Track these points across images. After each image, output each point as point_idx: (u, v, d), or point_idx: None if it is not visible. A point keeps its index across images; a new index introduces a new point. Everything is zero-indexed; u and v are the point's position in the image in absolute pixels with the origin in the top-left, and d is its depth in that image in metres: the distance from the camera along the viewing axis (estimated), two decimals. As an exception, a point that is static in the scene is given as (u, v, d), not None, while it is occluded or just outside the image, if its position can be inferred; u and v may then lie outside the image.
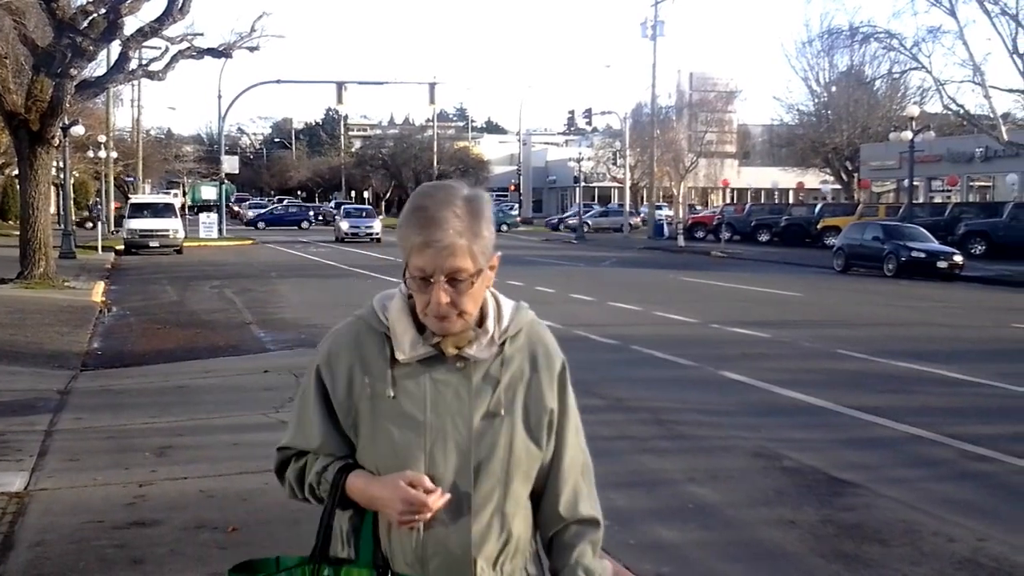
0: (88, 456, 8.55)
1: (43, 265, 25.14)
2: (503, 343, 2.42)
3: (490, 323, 2.40)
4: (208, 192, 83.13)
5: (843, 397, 11.24)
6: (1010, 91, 34.56)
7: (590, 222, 67.57)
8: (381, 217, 67.53)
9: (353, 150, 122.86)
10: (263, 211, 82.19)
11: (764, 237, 53.03)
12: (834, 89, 64.12)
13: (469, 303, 2.31)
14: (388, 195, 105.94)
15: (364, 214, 57.50)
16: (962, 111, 35.73)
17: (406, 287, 2.39)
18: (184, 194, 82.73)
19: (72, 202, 43.82)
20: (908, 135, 39.27)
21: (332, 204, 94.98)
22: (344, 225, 54.05)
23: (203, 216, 56.06)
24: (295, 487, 2.64)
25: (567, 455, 2.50)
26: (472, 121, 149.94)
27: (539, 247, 50.24)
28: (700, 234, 56.60)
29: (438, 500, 2.29)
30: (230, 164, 64.08)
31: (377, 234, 52.60)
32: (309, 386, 2.48)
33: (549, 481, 2.48)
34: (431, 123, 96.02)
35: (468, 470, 2.35)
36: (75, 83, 25.34)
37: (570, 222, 71.05)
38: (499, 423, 2.37)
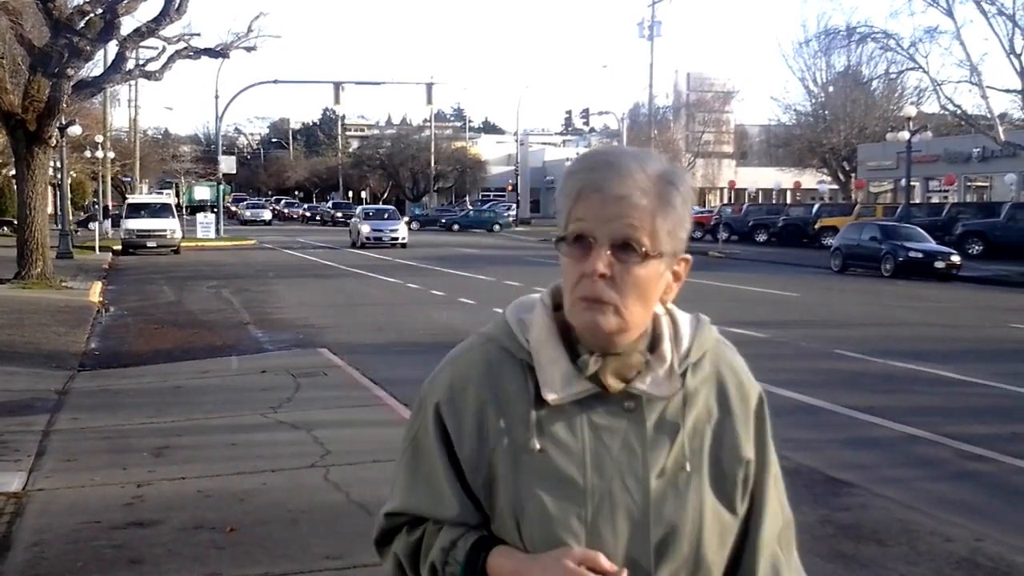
0: (85, 456, 8.55)
1: (40, 265, 25.13)
2: (683, 373, 1.82)
3: (666, 348, 1.81)
4: (201, 192, 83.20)
5: (840, 397, 11.24)
6: (1007, 91, 34.63)
7: None
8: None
9: (350, 150, 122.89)
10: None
11: (762, 237, 53.03)
12: (831, 89, 64.21)
13: (633, 297, 1.73)
14: (385, 195, 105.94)
15: (386, 215, 50.84)
16: (959, 111, 35.80)
17: (549, 297, 1.84)
18: (177, 195, 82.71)
19: (69, 202, 43.79)
20: (905, 135, 39.30)
21: (330, 204, 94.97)
22: (365, 228, 47.14)
23: (200, 216, 56.05)
24: (406, 566, 1.90)
25: (766, 520, 1.91)
26: (469, 121, 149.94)
27: (537, 247, 50.21)
28: (697, 234, 56.45)
29: None
30: (227, 164, 64.07)
31: (404, 239, 46.78)
32: (425, 431, 1.84)
33: (743, 554, 1.87)
34: (428, 123, 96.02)
35: (647, 548, 1.76)
36: (72, 83, 25.35)
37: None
38: (684, 483, 1.78)
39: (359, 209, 55.09)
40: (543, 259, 38.78)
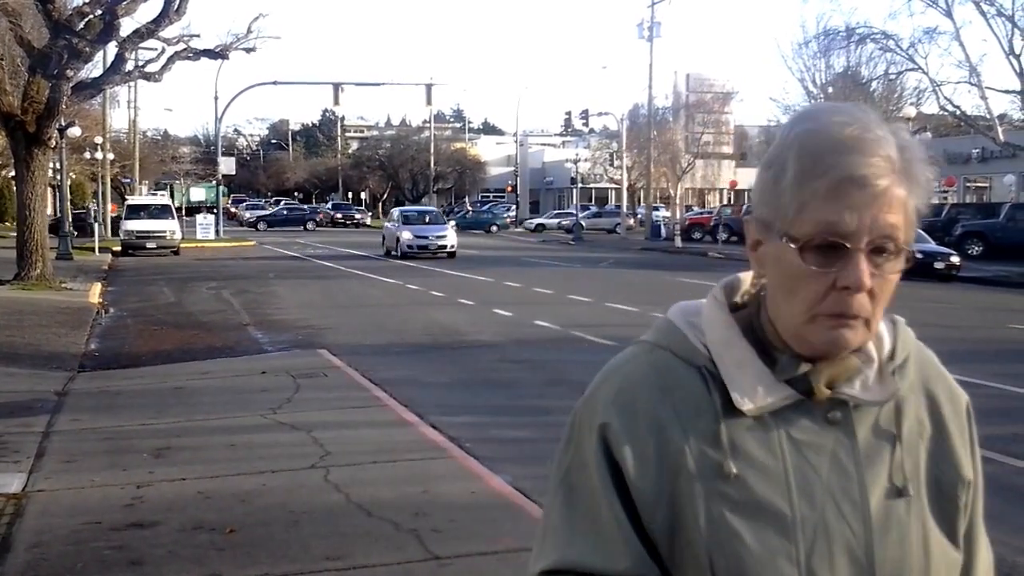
0: (85, 457, 8.55)
1: (40, 266, 25.14)
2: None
3: (871, 347, 1.51)
4: (197, 193, 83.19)
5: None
6: (1006, 92, 34.64)
7: (585, 223, 67.69)
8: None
9: (350, 151, 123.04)
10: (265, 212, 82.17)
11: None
12: (830, 90, 64.10)
13: (882, 304, 1.47)
14: (385, 196, 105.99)
15: (430, 218, 42.42)
16: (958, 112, 35.80)
17: (722, 292, 1.56)
18: (172, 196, 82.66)
19: (69, 203, 43.79)
20: (905, 136, 39.26)
21: (329, 205, 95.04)
22: (406, 235, 39.18)
23: (200, 217, 56.06)
24: None
25: (981, 551, 1.66)
26: (469, 122, 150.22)
27: (536, 248, 50.26)
28: (697, 235, 56.61)
29: None
30: (227, 165, 64.09)
31: (452, 246, 39.43)
32: (584, 464, 1.49)
33: None
34: (428, 124, 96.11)
35: None
36: (71, 84, 25.36)
37: (542, 222, 71.94)
38: (905, 510, 1.46)
39: (396, 211, 44.58)
40: (543, 261, 38.83)
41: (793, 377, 1.44)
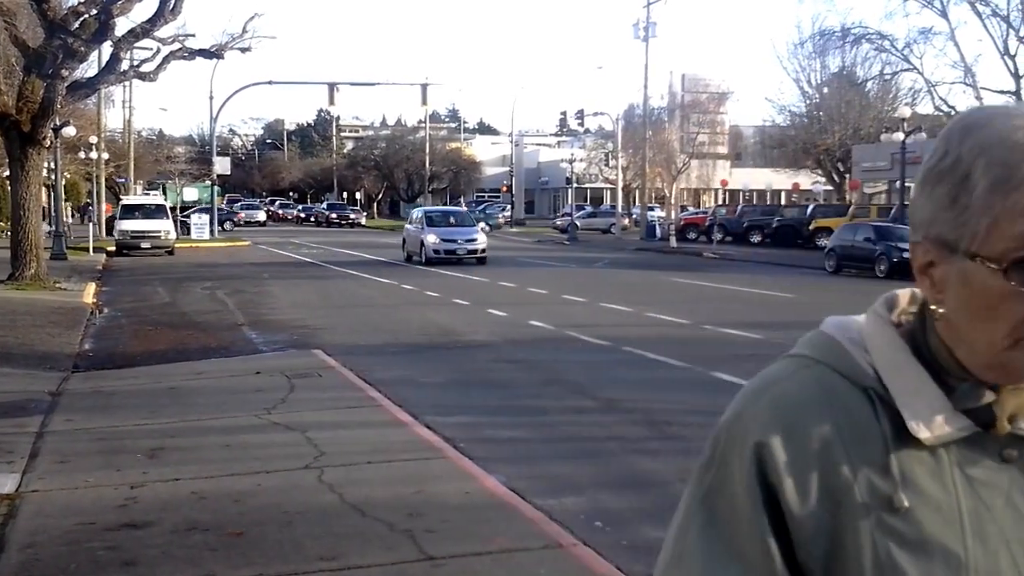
0: (79, 458, 8.54)
1: (34, 266, 25.11)
2: None
3: None
4: (190, 193, 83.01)
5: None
6: (1001, 92, 34.69)
7: (579, 223, 67.72)
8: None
9: (345, 151, 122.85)
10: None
11: (756, 238, 53.09)
12: (826, 90, 64.25)
13: None
14: (380, 196, 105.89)
15: (457, 219, 38.15)
16: (953, 113, 35.84)
17: (885, 309, 1.47)
18: (164, 196, 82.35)
19: (63, 203, 43.77)
20: (900, 136, 39.39)
21: (324, 205, 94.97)
22: (431, 239, 35.12)
23: (195, 218, 56.00)
24: None
25: None
26: (464, 122, 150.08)
27: (531, 248, 50.26)
28: (692, 235, 56.67)
29: None
30: (222, 165, 63.99)
31: (483, 251, 35.46)
32: (730, 485, 1.34)
33: None
34: (423, 124, 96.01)
35: None
36: (66, 84, 25.34)
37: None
38: None
39: (417, 212, 40.35)
40: (538, 261, 38.84)
41: (972, 407, 1.30)
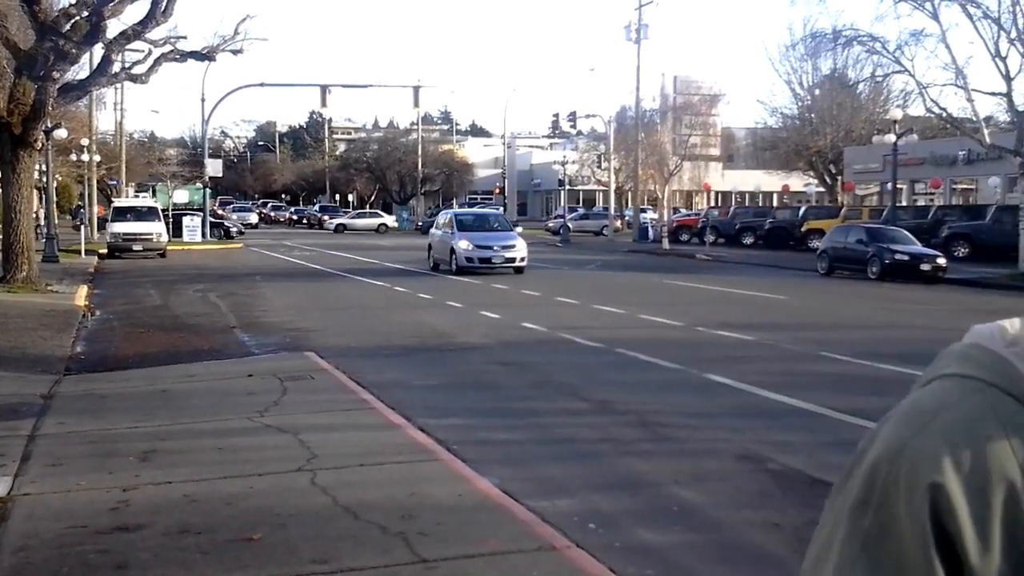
0: (71, 461, 8.51)
1: (26, 269, 25.05)
2: None
3: None
4: (179, 195, 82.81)
5: (827, 400, 11.26)
6: (992, 94, 34.65)
7: (571, 224, 67.75)
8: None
9: (337, 153, 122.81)
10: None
11: (748, 240, 53.14)
12: (817, 92, 64.36)
13: None
14: (372, 198, 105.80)
15: (493, 223, 33.90)
16: (945, 114, 35.86)
17: None
18: (153, 197, 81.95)
19: (55, 205, 43.67)
20: (891, 138, 39.43)
21: (316, 207, 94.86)
22: (463, 245, 31.07)
23: (187, 220, 55.89)
24: None
25: None
26: (457, 124, 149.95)
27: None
28: (685, 237, 56.69)
29: None
30: (214, 167, 63.91)
31: (522, 259, 31.41)
32: (904, 532, 1.11)
33: None
34: (415, 126, 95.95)
35: None
36: (57, 86, 25.28)
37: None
38: None
39: (446, 215, 35.57)
40: (531, 263, 38.78)
41: None
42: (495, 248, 31.15)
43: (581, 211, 79.14)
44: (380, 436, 9.28)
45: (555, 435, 9.65)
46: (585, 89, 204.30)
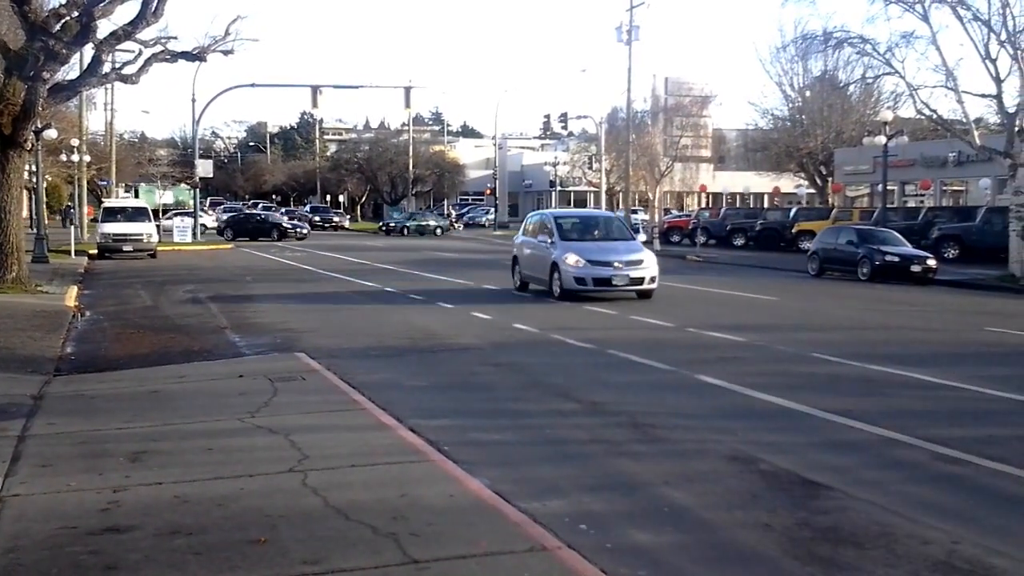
0: (61, 462, 8.49)
1: (15, 269, 24.97)
2: None
3: None
4: (166, 196, 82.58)
5: (818, 400, 11.28)
6: (983, 96, 34.71)
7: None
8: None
9: (328, 154, 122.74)
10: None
11: (739, 241, 53.24)
12: (808, 94, 64.52)
13: None
14: (363, 199, 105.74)
15: (605, 230, 25.36)
16: (935, 116, 35.94)
17: None
18: (136, 198, 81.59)
19: (45, 206, 43.54)
20: (882, 140, 39.55)
21: (307, 208, 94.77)
22: (572, 260, 23.00)
23: (177, 220, 55.80)
24: None
25: None
26: (448, 125, 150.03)
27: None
28: (676, 238, 56.75)
29: None
30: (204, 168, 63.73)
31: (653, 279, 23.25)
32: None
33: None
34: (407, 127, 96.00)
35: None
36: (48, 86, 25.19)
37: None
38: None
39: (539, 218, 26.73)
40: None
41: None
42: (616, 264, 22.81)
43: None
44: (371, 437, 9.27)
45: (547, 436, 9.62)
46: (576, 90, 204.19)
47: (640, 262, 23.16)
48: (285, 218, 70.23)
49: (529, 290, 25.12)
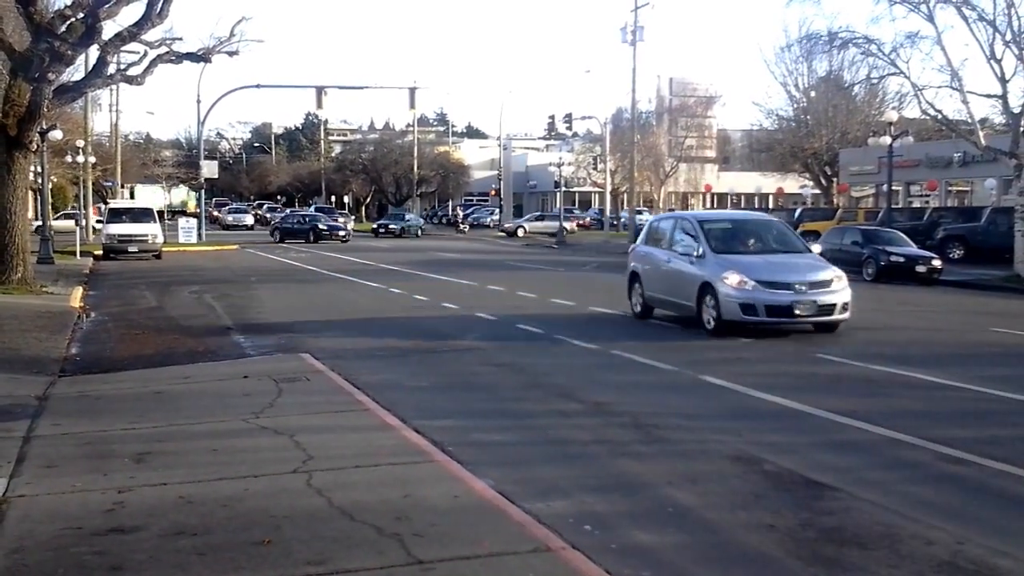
0: (66, 462, 8.51)
1: (21, 270, 25.03)
2: None
3: None
4: (174, 196, 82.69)
5: (822, 401, 11.27)
6: (988, 96, 34.64)
7: (527, 226, 68.82)
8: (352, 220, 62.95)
9: (333, 155, 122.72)
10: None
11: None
12: (813, 94, 64.49)
13: None
14: (368, 200, 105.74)
15: (771, 240, 19.12)
16: (940, 116, 35.89)
17: None
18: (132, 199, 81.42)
19: (50, 207, 43.62)
20: (887, 140, 39.51)
21: (312, 209, 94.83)
22: (734, 281, 16.99)
23: (182, 221, 55.90)
24: None
25: None
26: (452, 126, 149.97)
27: (520, 252, 50.29)
28: (680, 239, 56.58)
29: None
30: (209, 169, 63.91)
31: (845, 306, 17.44)
32: None
33: None
34: (411, 128, 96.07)
35: None
36: (53, 87, 25.25)
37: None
38: None
39: (677, 221, 20.22)
40: (526, 264, 38.83)
41: None
42: (797, 287, 17.07)
43: (537, 213, 79.81)
44: (375, 437, 9.28)
45: (550, 436, 9.61)
46: (581, 91, 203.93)
47: (828, 283, 17.43)
48: (341, 219, 70.08)
49: (654, 316, 19.62)
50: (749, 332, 16.97)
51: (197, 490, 7.52)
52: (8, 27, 25.35)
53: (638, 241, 22.00)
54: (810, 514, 7.27)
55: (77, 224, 45.93)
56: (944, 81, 36.45)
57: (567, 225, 66.28)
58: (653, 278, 19.59)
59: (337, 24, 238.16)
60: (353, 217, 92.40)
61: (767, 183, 72.37)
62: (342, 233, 60.36)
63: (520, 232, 69.25)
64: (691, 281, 17.92)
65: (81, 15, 24.26)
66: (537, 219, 73.77)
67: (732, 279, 17.05)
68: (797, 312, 16.98)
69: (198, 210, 63.32)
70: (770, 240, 19.09)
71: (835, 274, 17.84)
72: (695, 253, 18.17)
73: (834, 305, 17.26)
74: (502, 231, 71.89)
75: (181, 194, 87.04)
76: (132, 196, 77.26)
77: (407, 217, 74.56)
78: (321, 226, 60.83)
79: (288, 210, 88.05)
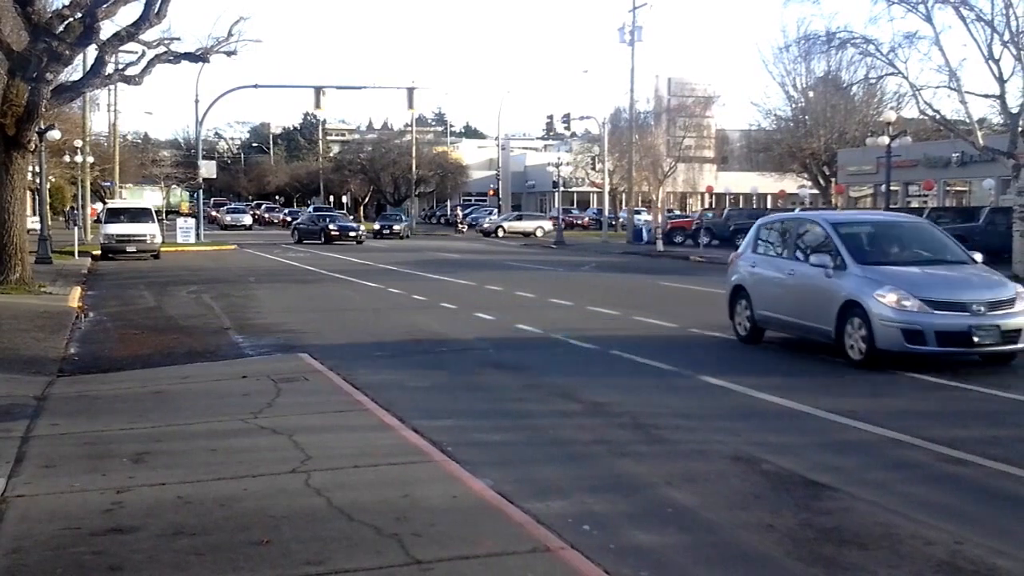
0: (65, 462, 8.51)
1: (19, 270, 25.02)
2: None
3: None
4: (154, 198, 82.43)
5: (821, 401, 11.27)
6: (986, 96, 34.65)
7: (506, 225, 69.14)
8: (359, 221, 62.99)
9: (331, 155, 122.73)
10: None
11: (743, 242, 53.10)
12: (811, 94, 64.46)
13: None
14: (367, 200, 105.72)
15: (924, 248, 15.60)
16: (938, 116, 35.89)
17: None
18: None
19: (48, 207, 43.60)
20: (885, 140, 39.52)
21: (311, 209, 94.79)
22: (892, 302, 13.42)
23: (180, 221, 55.85)
24: None
25: None
26: (451, 126, 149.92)
27: (518, 252, 50.26)
28: (679, 239, 56.71)
29: None
30: (208, 169, 63.83)
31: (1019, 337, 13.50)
32: None
33: None
34: (410, 128, 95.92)
35: None
36: (51, 87, 25.22)
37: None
38: None
39: (800, 223, 16.91)
40: (525, 264, 38.82)
41: None
42: (975, 308, 13.59)
43: (514, 212, 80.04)
44: (374, 437, 9.27)
45: (549, 436, 9.61)
46: (579, 91, 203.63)
47: (1011, 303, 13.82)
48: (352, 220, 70.14)
49: (765, 339, 16.41)
50: (902, 363, 13.63)
51: (196, 490, 7.52)
52: (6, 27, 25.36)
53: (742, 247, 18.17)
54: (810, 514, 7.26)
55: (67, 222, 45.75)
56: (942, 81, 36.51)
57: (545, 225, 67.14)
58: (767, 294, 16.10)
59: (335, 24, 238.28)
60: (352, 217, 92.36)
61: (765, 183, 72.26)
62: (353, 234, 59.81)
63: (499, 232, 69.59)
64: (828, 299, 14.45)
65: (79, 15, 24.24)
66: (516, 219, 74.17)
67: (889, 298, 13.57)
68: (976, 340, 13.38)
69: (195, 210, 63.31)
70: (922, 247, 15.75)
71: (1018, 291, 14.12)
72: (832, 263, 14.64)
73: (1019, 331, 13.64)
74: (480, 231, 72.24)
75: (176, 195, 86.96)
76: (122, 196, 77.21)
77: (402, 218, 74.66)
78: (333, 228, 60.12)
79: (310, 209, 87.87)
